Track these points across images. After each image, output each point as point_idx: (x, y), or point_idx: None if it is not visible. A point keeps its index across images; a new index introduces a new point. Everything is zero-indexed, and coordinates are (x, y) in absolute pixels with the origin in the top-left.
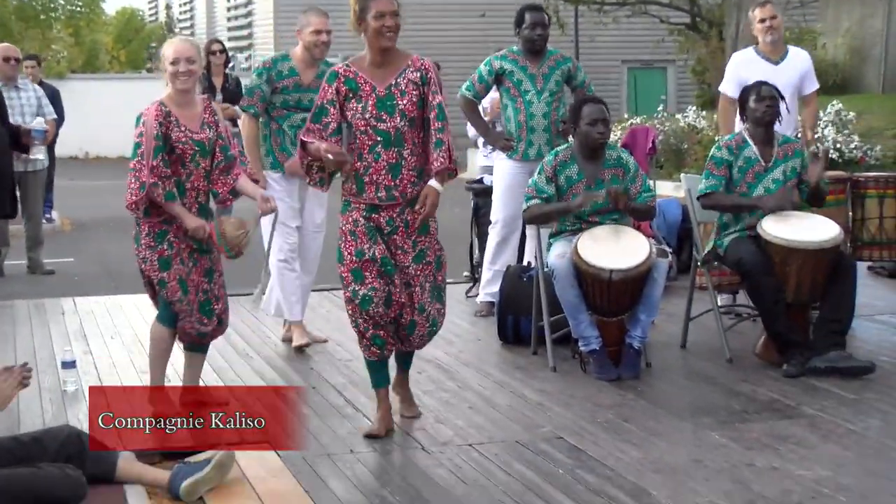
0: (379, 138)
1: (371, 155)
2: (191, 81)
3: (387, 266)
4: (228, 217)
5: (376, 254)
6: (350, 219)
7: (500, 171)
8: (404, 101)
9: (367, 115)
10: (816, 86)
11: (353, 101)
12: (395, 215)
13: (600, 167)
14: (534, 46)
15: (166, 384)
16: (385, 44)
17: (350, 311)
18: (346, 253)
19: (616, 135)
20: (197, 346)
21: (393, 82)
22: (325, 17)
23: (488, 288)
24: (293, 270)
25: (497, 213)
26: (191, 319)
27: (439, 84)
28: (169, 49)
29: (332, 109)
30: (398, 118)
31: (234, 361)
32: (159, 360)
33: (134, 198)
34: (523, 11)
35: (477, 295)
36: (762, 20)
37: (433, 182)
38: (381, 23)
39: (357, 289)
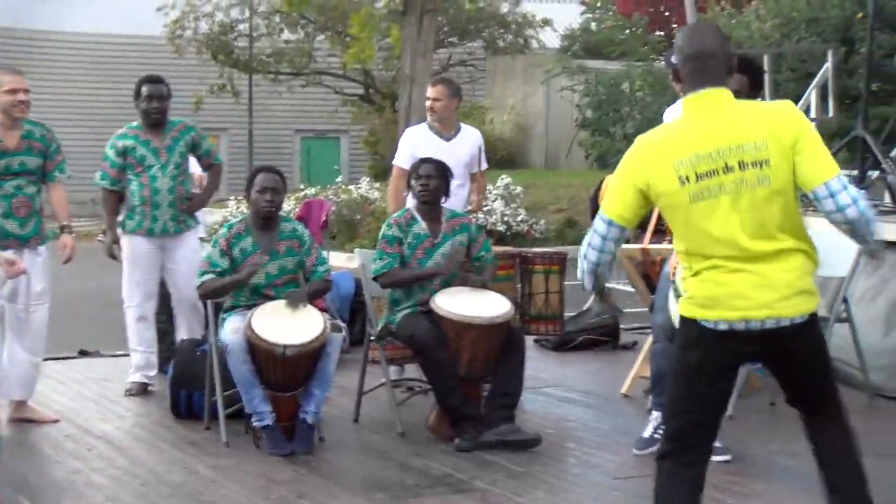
0: None
1: None
2: None
3: None
4: None
5: None
6: None
7: (128, 250)
8: None
9: None
10: (485, 166)
11: None
12: None
13: (276, 238)
14: (150, 120)
15: None
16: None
17: None
18: None
19: (290, 204)
20: None
21: None
22: (20, 74)
23: (146, 371)
24: None
25: (132, 293)
26: None
27: None
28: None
29: None
30: None
31: None
32: None
33: None
34: (141, 83)
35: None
36: (428, 98)
37: None
38: None
39: None
